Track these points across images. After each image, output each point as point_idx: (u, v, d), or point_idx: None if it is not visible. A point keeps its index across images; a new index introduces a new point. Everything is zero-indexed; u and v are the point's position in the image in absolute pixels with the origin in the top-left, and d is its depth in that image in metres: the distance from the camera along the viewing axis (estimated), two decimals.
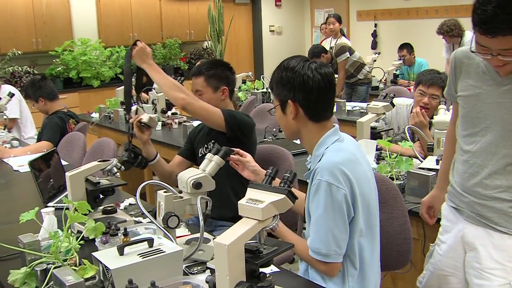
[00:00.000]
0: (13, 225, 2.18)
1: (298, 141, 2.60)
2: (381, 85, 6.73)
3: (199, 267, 1.84)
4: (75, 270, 1.64)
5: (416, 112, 3.10)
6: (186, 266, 1.83)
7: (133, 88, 2.58)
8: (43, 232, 1.99)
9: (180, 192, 1.96)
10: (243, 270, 1.38)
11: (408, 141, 3.01)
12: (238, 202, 1.45)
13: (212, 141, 2.68)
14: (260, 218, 1.40)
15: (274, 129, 4.00)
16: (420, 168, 2.65)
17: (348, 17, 9.91)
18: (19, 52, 7.05)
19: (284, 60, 1.87)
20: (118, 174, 2.40)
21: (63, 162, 3.20)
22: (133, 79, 2.56)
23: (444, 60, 6.34)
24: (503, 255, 1.77)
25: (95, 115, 5.58)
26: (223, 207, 2.49)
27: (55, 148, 3.33)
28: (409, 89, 5.64)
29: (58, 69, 7.59)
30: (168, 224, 1.85)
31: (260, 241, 1.50)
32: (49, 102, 4.19)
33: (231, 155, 2.10)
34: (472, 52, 1.70)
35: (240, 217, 1.45)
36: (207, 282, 1.53)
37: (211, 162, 1.98)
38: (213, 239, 1.85)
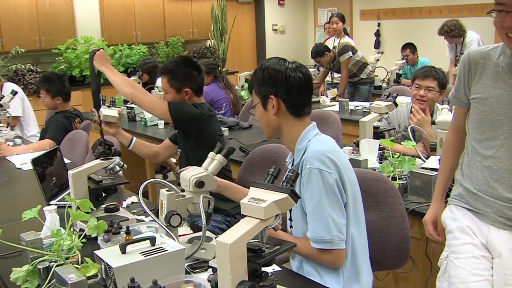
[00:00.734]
0: (15, 223, 2.19)
1: None
2: (384, 85, 6.73)
3: (201, 266, 1.83)
4: (77, 268, 1.64)
5: (416, 110, 3.10)
6: (188, 265, 1.83)
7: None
8: (46, 230, 1.99)
9: (183, 190, 1.96)
10: (245, 269, 1.38)
11: (411, 140, 3.01)
12: (241, 201, 1.45)
13: (176, 131, 2.93)
14: (263, 217, 1.40)
15: None
16: (423, 168, 2.64)
17: (351, 17, 9.89)
18: (22, 50, 7.06)
19: (262, 62, 1.94)
20: (120, 172, 2.40)
21: (66, 160, 3.21)
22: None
23: (448, 60, 6.34)
24: None
25: None
26: None
27: (58, 146, 3.34)
28: None
29: (61, 67, 7.59)
30: (171, 222, 1.85)
31: (262, 240, 1.51)
32: (63, 102, 4.20)
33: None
34: (487, 13, 1.66)
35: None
36: (209, 281, 1.53)
37: (213, 161, 1.98)
38: (216, 238, 1.85)
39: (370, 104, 3.76)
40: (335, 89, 6.16)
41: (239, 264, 1.37)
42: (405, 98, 3.73)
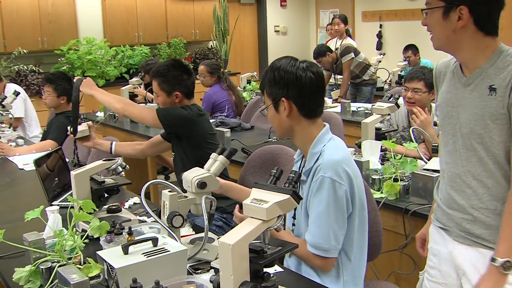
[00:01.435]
0: (18, 223, 2.19)
1: None
2: (386, 86, 6.72)
3: (203, 267, 1.84)
4: (79, 268, 1.64)
5: (419, 111, 3.10)
6: (190, 266, 1.83)
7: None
8: (48, 230, 1.99)
9: (185, 191, 1.96)
10: (247, 270, 1.39)
11: (411, 141, 3.01)
12: (243, 202, 1.45)
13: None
14: (265, 218, 1.40)
15: None
16: (424, 169, 2.64)
17: (353, 18, 9.89)
18: (24, 51, 7.07)
19: (273, 61, 1.90)
20: (123, 173, 2.41)
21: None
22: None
23: None
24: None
25: (100, 114, 5.59)
26: None
27: (60, 147, 3.35)
28: None
29: (63, 68, 7.60)
30: (173, 223, 1.85)
31: (264, 241, 1.51)
32: (66, 103, 4.19)
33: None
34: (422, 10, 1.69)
35: None
36: (211, 281, 1.53)
37: (216, 162, 1.98)
38: (218, 238, 1.85)
39: (372, 105, 3.76)
40: (339, 91, 6.16)
41: (241, 265, 1.37)
42: (403, 99, 3.73)
